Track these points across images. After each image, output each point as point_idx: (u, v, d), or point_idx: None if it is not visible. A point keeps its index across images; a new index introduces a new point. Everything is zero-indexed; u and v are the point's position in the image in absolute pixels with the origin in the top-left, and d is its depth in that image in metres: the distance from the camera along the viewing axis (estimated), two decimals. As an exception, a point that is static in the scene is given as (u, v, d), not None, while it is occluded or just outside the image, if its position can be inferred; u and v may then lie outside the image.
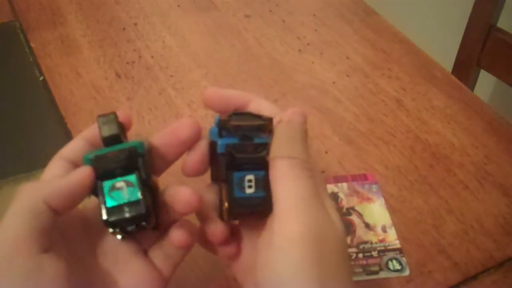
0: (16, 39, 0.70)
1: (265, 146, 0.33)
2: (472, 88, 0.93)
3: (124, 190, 0.32)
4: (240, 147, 0.33)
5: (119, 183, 0.32)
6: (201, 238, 0.35)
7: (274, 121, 0.34)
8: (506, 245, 0.48)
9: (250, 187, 0.33)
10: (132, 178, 0.32)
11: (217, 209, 0.34)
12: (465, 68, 0.92)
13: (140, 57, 0.67)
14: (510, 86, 0.87)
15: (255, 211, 0.33)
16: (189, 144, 0.35)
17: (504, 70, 0.87)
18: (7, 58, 0.68)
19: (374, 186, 0.52)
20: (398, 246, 0.47)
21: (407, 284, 0.45)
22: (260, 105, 0.36)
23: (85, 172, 0.32)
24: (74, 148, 0.35)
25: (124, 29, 0.72)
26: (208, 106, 0.36)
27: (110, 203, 0.32)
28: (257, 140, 0.33)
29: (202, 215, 0.35)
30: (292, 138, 0.33)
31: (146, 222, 0.32)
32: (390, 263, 0.46)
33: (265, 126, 0.33)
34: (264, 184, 0.33)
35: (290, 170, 0.32)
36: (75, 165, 0.34)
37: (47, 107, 0.61)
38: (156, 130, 0.58)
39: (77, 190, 0.32)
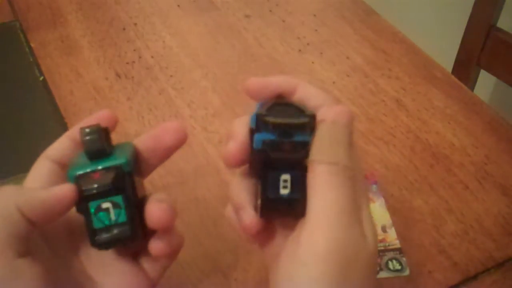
0: (16, 39, 0.70)
1: (305, 146, 0.31)
2: (472, 88, 0.93)
3: (110, 211, 0.31)
4: (277, 145, 0.30)
5: (105, 203, 0.31)
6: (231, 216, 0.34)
7: (319, 116, 0.31)
8: (506, 245, 0.48)
9: (285, 187, 0.31)
10: (119, 199, 0.31)
11: (252, 199, 0.32)
12: (465, 68, 0.92)
13: (140, 57, 0.67)
14: (510, 86, 0.87)
15: (289, 212, 0.31)
16: (174, 150, 0.34)
17: (504, 70, 0.87)
18: (7, 58, 0.68)
19: (374, 186, 0.52)
20: (398, 246, 0.47)
21: (407, 284, 0.45)
22: (307, 92, 0.33)
23: (67, 191, 0.31)
24: (59, 147, 0.34)
25: (124, 29, 0.72)
26: (251, 97, 0.34)
27: (96, 224, 0.31)
28: (297, 138, 0.30)
29: (235, 204, 0.33)
30: (335, 141, 0.31)
31: (132, 243, 0.32)
32: (390, 263, 0.46)
33: (306, 124, 0.31)
34: (301, 186, 0.31)
35: (330, 177, 0.29)
36: (61, 165, 0.34)
37: (47, 107, 0.61)
38: (156, 130, 0.58)
39: (56, 207, 0.30)
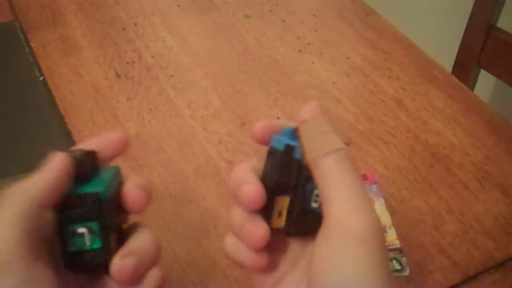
0: (16, 39, 0.70)
1: None
2: (472, 88, 0.93)
3: (85, 237, 0.31)
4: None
5: (81, 228, 0.31)
6: (232, 246, 0.34)
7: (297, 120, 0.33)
8: (506, 245, 0.48)
9: (316, 201, 0.32)
10: (94, 225, 0.31)
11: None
12: (465, 68, 0.92)
13: (140, 57, 0.67)
14: (510, 86, 0.87)
15: (315, 227, 0.31)
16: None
17: (504, 70, 0.87)
18: (7, 58, 0.68)
19: (374, 186, 0.52)
20: (398, 246, 0.47)
21: (407, 284, 0.45)
22: None
23: (63, 162, 0.32)
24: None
25: (124, 29, 0.72)
26: (260, 141, 0.34)
27: (72, 247, 0.31)
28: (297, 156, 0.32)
29: (240, 218, 0.33)
30: (324, 132, 0.32)
31: (105, 270, 0.32)
32: (390, 263, 0.46)
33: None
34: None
35: (339, 164, 0.30)
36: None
37: (47, 107, 0.61)
38: (156, 130, 0.58)
39: (61, 181, 0.31)
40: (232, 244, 0.34)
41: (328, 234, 0.30)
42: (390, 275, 0.29)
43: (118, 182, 0.34)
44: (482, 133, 0.58)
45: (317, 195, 0.31)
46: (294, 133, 0.32)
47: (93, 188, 0.32)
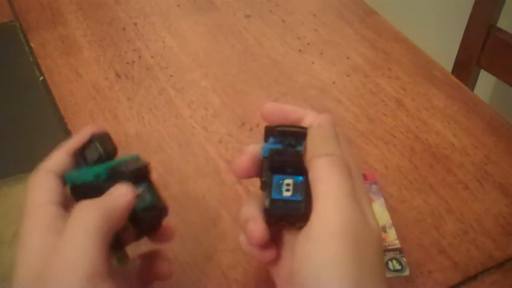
0: (16, 39, 0.70)
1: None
2: (472, 88, 0.93)
3: (290, 188, 0.35)
4: (282, 152, 0.36)
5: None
6: (244, 241, 0.37)
7: (306, 124, 0.37)
8: (506, 245, 0.48)
9: (287, 190, 0.35)
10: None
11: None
12: (465, 68, 0.92)
13: (140, 57, 0.67)
14: (510, 86, 0.87)
15: (292, 214, 0.34)
16: None
17: (504, 70, 0.87)
18: (7, 58, 0.68)
19: (374, 186, 0.52)
20: (398, 246, 0.47)
21: (407, 284, 0.45)
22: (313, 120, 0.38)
23: (131, 194, 0.34)
24: (60, 162, 0.37)
25: (124, 29, 0.72)
26: (267, 119, 0.39)
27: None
28: (298, 148, 0.36)
29: (246, 218, 0.36)
30: (325, 137, 0.35)
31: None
32: (390, 263, 0.46)
33: (305, 133, 0.37)
34: (302, 189, 0.34)
35: (330, 166, 0.33)
36: (61, 179, 0.36)
37: (47, 107, 0.61)
38: (156, 130, 0.58)
39: (127, 212, 0.33)
40: (244, 240, 0.37)
41: (308, 228, 0.32)
42: (369, 270, 0.31)
43: None
44: (482, 133, 0.58)
45: (288, 184, 0.35)
46: (265, 130, 0.38)
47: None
